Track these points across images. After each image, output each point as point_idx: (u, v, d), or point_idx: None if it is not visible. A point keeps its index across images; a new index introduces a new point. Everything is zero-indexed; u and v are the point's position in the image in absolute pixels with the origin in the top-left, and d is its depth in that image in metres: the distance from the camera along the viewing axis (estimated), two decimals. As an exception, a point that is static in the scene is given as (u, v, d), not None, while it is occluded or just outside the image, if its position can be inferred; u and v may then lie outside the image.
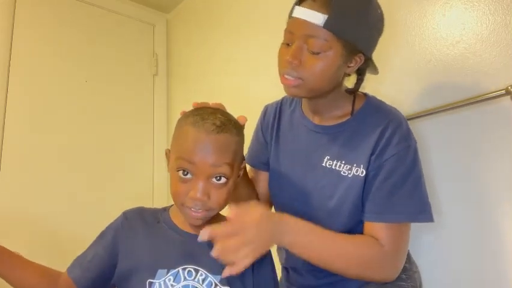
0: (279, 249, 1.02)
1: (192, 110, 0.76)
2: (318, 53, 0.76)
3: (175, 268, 0.71)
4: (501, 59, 0.96)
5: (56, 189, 1.73)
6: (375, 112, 0.86)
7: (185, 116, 0.75)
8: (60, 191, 1.74)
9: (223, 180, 0.71)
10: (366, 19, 0.79)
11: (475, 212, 0.98)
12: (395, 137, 0.80)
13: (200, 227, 0.74)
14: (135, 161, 2.02)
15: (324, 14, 0.74)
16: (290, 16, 0.80)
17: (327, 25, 0.74)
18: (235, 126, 0.74)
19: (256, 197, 0.99)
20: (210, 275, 0.71)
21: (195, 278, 0.70)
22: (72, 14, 1.96)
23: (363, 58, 0.82)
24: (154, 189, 2.02)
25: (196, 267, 0.71)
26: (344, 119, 0.87)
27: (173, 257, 0.72)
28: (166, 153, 0.78)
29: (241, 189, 0.93)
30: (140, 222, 0.79)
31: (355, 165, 0.82)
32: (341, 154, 0.85)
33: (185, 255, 0.73)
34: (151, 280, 0.70)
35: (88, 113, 1.91)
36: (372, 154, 0.81)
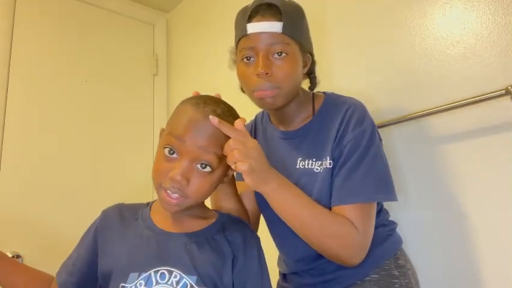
0: (280, 260, 1.03)
1: (198, 95, 0.77)
2: (284, 57, 0.82)
3: (146, 271, 0.67)
4: (501, 59, 0.96)
5: (56, 189, 1.73)
6: (334, 106, 0.90)
7: (189, 97, 0.75)
8: (60, 191, 1.74)
9: (207, 169, 0.68)
10: (305, 22, 0.89)
11: (475, 212, 0.98)
12: (351, 123, 0.84)
13: (177, 223, 0.74)
14: (135, 162, 2.02)
15: (279, 21, 0.81)
16: (243, 35, 0.84)
17: (285, 30, 0.82)
18: (234, 121, 0.73)
19: (246, 213, 0.96)
20: (184, 275, 0.67)
21: (168, 280, 0.67)
22: (72, 14, 1.96)
23: (310, 58, 0.91)
24: (154, 190, 2.01)
25: (170, 269, 0.68)
26: (308, 120, 0.91)
27: (145, 258, 0.69)
28: (160, 132, 0.76)
29: (231, 205, 0.91)
30: (117, 220, 0.76)
31: (324, 159, 0.85)
32: (310, 153, 0.88)
33: (158, 255, 0.69)
34: (123, 284, 0.67)
35: (87, 113, 1.91)
36: (333, 143, 0.85)
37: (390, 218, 0.96)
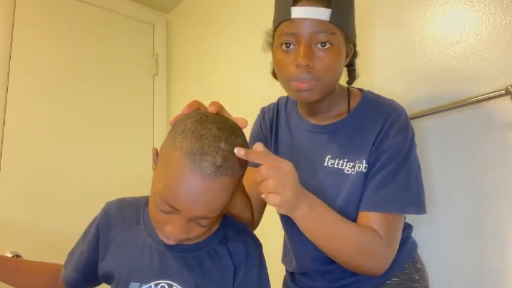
0: (285, 257, 1.00)
1: (193, 124, 0.62)
2: (328, 48, 0.75)
3: (147, 283, 0.67)
4: (501, 59, 0.96)
5: (56, 189, 1.73)
6: (374, 107, 0.85)
7: (183, 132, 0.61)
8: (60, 191, 1.74)
9: (207, 222, 0.64)
10: (353, 10, 0.82)
11: (474, 211, 0.98)
12: (393, 129, 0.80)
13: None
14: (135, 162, 2.01)
15: (328, 8, 0.74)
16: (285, 19, 0.77)
17: (332, 18, 0.74)
18: (239, 158, 0.62)
19: (250, 211, 0.92)
20: None
21: None
22: (72, 14, 1.96)
23: (353, 48, 0.84)
24: (154, 189, 2.01)
25: (170, 282, 0.67)
26: (342, 117, 0.87)
27: (147, 270, 0.69)
28: (153, 153, 0.69)
29: (235, 205, 0.85)
30: (120, 221, 0.75)
31: (357, 161, 0.81)
32: (342, 152, 0.84)
33: (159, 268, 0.69)
34: None
35: (88, 113, 1.91)
36: (372, 146, 0.81)
37: (405, 221, 0.92)
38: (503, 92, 0.90)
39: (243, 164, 0.64)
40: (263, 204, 0.95)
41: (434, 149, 1.06)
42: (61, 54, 1.88)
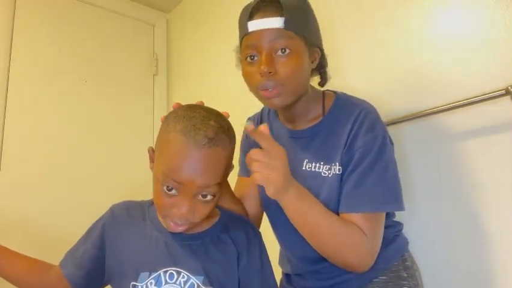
0: (281, 259, 1.02)
1: (183, 111, 0.71)
2: (288, 53, 0.79)
3: (156, 271, 0.71)
4: (501, 59, 0.96)
5: (56, 189, 1.73)
6: (345, 108, 0.87)
7: (175, 118, 0.70)
8: (61, 191, 1.74)
9: (209, 197, 0.70)
10: (310, 15, 0.86)
11: (474, 211, 0.98)
12: (362, 128, 0.82)
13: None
14: (135, 162, 2.01)
15: (281, 17, 0.79)
16: (245, 34, 0.82)
17: (287, 25, 0.79)
18: (228, 134, 0.71)
19: (241, 211, 0.95)
20: (192, 276, 0.71)
21: (176, 280, 0.71)
22: (72, 14, 1.96)
23: (319, 52, 0.88)
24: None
25: (178, 269, 0.71)
26: (317, 121, 0.89)
27: (155, 259, 0.73)
28: (149, 152, 0.76)
29: (225, 205, 0.90)
30: (125, 219, 0.79)
31: (333, 164, 0.83)
32: (318, 155, 0.86)
33: (167, 256, 0.73)
34: (134, 283, 0.70)
35: (88, 113, 1.91)
36: (343, 148, 0.83)
37: (395, 219, 0.95)
38: (503, 92, 0.90)
39: (232, 139, 0.73)
40: (260, 217, 0.98)
41: (433, 150, 1.06)
42: (61, 54, 1.88)
